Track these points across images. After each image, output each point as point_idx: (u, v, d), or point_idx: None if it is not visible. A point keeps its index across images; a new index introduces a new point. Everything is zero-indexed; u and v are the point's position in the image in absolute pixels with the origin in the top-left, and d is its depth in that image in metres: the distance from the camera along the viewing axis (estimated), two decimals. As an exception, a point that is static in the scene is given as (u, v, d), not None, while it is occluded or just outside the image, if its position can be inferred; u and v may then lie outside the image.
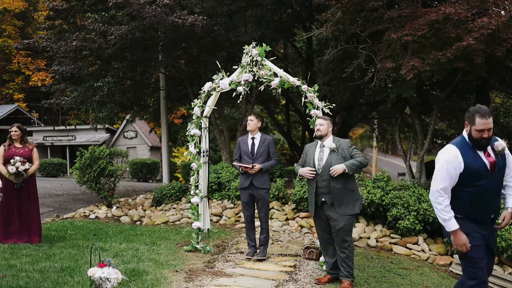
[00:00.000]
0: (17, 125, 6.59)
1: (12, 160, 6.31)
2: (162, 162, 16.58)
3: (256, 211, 6.08)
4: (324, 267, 5.29)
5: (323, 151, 4.82)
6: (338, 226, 4.71)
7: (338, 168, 4.59)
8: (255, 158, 5.86)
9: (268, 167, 5.89)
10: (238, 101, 6.54)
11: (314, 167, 4.79)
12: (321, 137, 4.86)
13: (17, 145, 6.52)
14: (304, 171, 4.84)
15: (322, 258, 5.49)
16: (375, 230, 7.33)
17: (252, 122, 5.95)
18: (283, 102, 19.33)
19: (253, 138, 5.96)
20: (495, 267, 6.39)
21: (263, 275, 5.14)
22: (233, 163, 6.13)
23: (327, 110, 5.85)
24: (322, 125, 4.84)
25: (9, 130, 6.55)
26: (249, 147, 5.93)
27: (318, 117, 5.18)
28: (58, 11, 11.50)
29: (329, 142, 4.82)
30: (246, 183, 5.86)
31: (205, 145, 6.39)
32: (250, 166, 5.77)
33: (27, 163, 6.39)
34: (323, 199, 4.76)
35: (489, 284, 6.08)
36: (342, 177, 4.66)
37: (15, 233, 6.41)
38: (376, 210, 7.35)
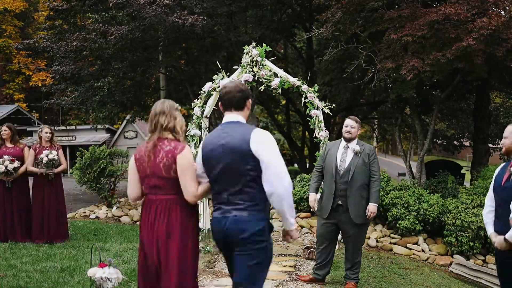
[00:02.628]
0: (6, 124, 6.65)
1: (0, 160, 6.34)
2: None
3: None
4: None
5: (347, 153, 4.71)
6: (351, 232, 4.66)
7: (375, 209, 4.63)
8: None
9: None
10: (238, 101, 6.54)
11: (336, 167, 4.67)
12: (350, 140, 4.74)
13: (8, 144, 6.57)
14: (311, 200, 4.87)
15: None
16: (375, 230, 7.34)
17: None
18: (283, 102, 19.34)
19: None
20: (495, 267, 6.39)
21: (263, 275, 5.14)
22: None
23: (327, 110, 5.86)
24: (353, 127, 4.71)
25: None
26: None
27: (350, 118, 4.81)
28: (58, 11, 11.51)
29: (354, 144, 4.73)
30: None
31: (205, 145, 6.38)
32: None
33: (16, 161, 6.42)
34: (339, 202, 4.63)
35: (489, 284, 6.09)
36: (360, 185, 4.61)
37: (14, 233, 6.44)
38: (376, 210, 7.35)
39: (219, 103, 2.92)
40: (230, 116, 2.82)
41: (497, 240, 3.33)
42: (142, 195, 2.95)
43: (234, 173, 2.68)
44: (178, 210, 2.79)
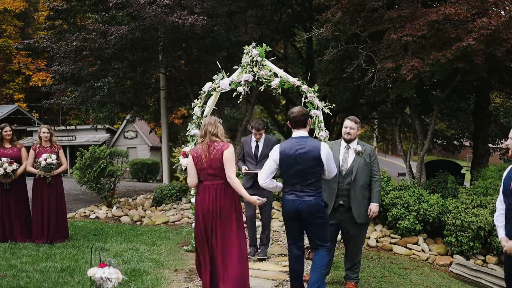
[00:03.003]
0: (8, 125, 6.61)
1: None
2: (162, 162, 16.57)
3: (257, 210, 6.08)
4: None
5: (348, 153, 4.72)
6: (352, 231, 4.69)
7: (376, 208, 4.68)
8: (259, 160, 5.82)
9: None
10: (238, 101, 6.54)
11: (338, 167, 4.65)
12: (350, 141, 4.75)
13: (6, 145, 6.55)
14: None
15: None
16: (375, 230, 7.34)
17: (259, 132, 5.95)
18: (283, 102, 19.34)
19: (257, 141, 5.97)
20: (495, 267, 6.39)
21: (263, 275, 5.15)
22: (242, 169, 6.00)
23: (327, 110, 5.86)
24: (353, 128, 4.72)
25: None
26: (253, 149, 5.93)
27: (349, 119, 4.83)
28: (58, 11, 11.51)
29: (355, 144, 4.74)
30: (249, 183, 5.82)
31: (205, 145, 6.38)
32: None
33: (15, 163, 6.40)
34: (341, 202, 4.65)
35: (489, 284, 6.09)
36: (362, 185, 4.64)
37: (14, 233, 6.44)
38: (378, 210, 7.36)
39: (288, 121, 4.21)
40: (299, 132, 4.12)
41: (507, 244, 3.26)
42: (197, 182, 4.14)
43: (308, 171, 4.00)
44: (227, 191, 4.04)
